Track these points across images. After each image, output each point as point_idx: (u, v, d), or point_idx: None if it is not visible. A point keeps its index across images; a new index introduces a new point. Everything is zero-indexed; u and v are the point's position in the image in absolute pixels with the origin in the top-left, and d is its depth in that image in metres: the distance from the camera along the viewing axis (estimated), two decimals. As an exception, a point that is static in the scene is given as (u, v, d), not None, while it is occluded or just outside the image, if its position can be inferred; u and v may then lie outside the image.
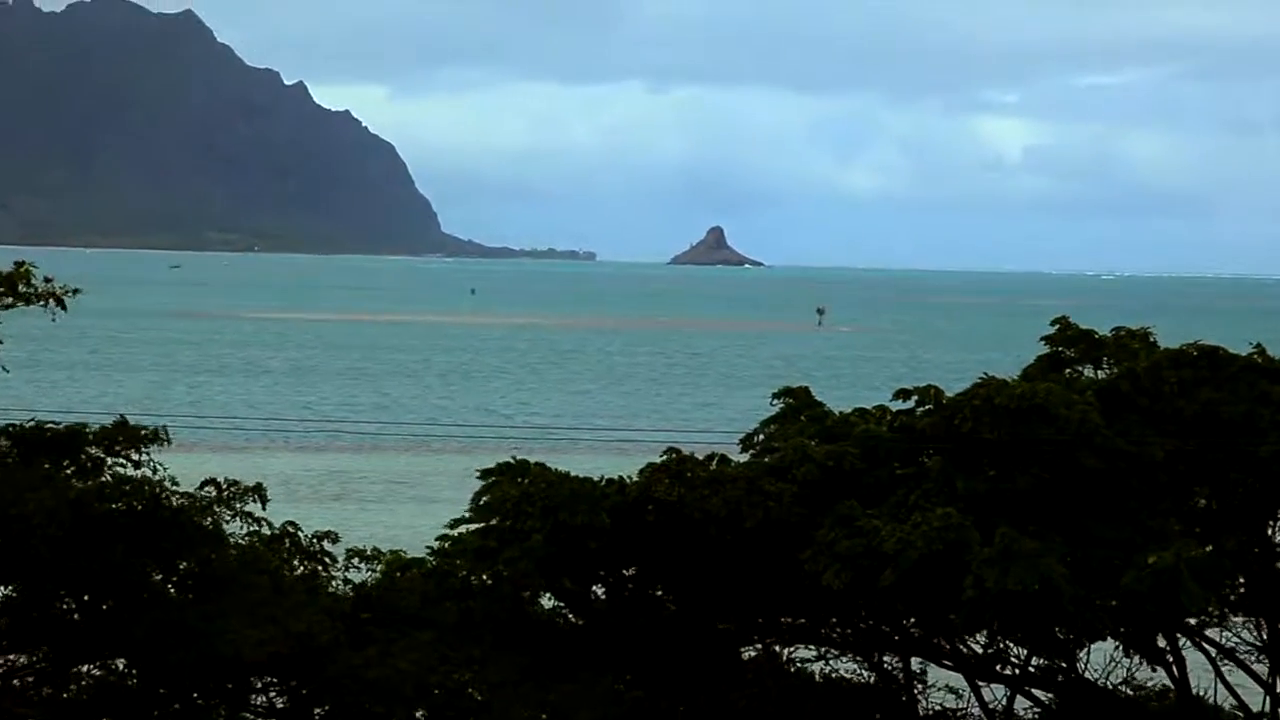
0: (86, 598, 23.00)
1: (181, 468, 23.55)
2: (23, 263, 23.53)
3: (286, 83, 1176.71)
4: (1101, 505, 24.24)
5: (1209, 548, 24.27)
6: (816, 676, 25.96)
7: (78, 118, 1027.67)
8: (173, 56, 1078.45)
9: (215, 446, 74.69)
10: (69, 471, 23.18)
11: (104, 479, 23.00)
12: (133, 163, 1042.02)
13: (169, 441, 23.31)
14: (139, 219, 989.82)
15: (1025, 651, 25.44)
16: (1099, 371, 26.80)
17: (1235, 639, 26.76)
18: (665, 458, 24.72)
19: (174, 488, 22.83)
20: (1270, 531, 26.42)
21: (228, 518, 23.39)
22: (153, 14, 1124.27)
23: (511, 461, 24.98)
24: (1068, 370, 26.91)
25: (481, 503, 24.66)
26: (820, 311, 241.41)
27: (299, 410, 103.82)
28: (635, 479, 24.66)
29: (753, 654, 25.73)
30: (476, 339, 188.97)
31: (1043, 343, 27.40)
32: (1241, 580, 25.97)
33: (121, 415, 23.74)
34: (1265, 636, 26.65)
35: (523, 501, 24.06)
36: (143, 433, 23.17)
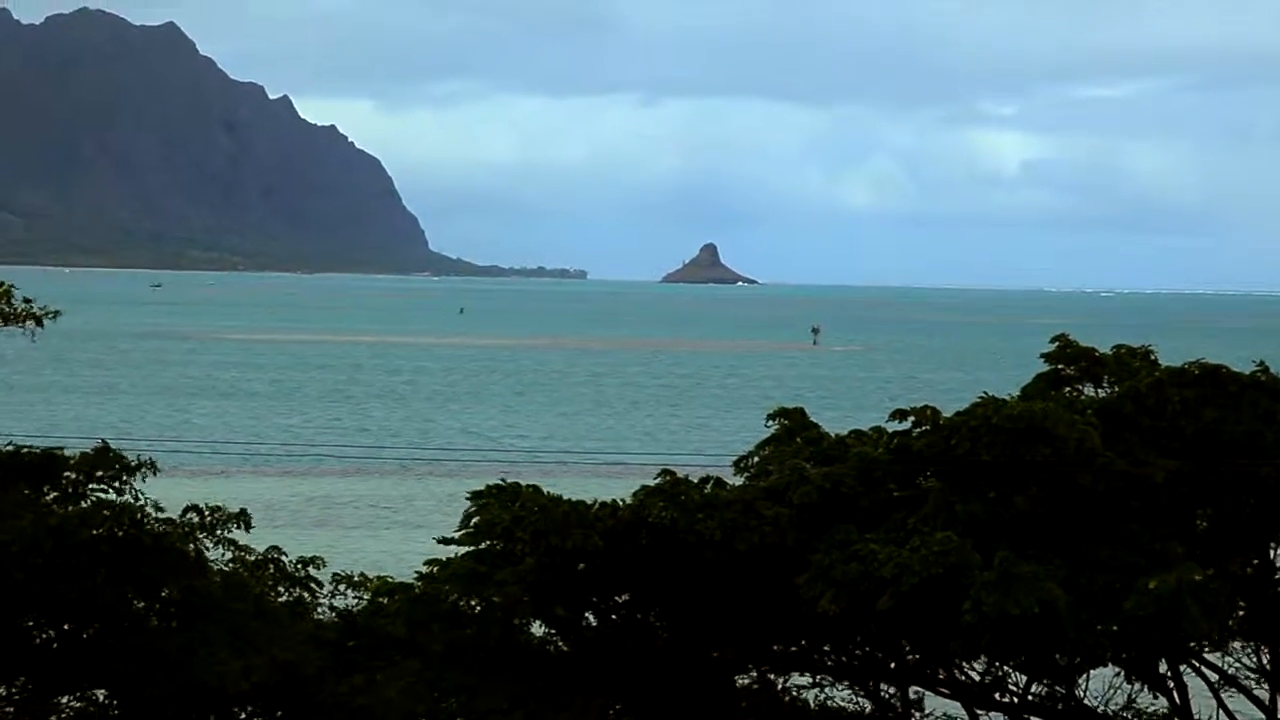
0: (66, 626, 22.56)
1: (161, 493, 23.10)
2: (1, 283, 23.11)
3: (271, 96, 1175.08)
4: (1102, 527, 23.87)
5: (1210, 571, 23.88)
6: (812, 704, 25.53)
7: (57, 133, 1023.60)
8: (154, 70, 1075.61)
9: (195, 471, 74.11)
10: (50, 497, 22.73)
11: (84, 505, 22.55)
12: (113, 180, 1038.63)
13: (155, 472, 22.91)
14: (120, 237, 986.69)
15: (1025, 678, 25.02)
16: (1099, 390, 26.43)
17: (1236, 664, 26.38)
18: (659, 480, 24.34)
19: (156, 513, 22.39)
20: (1272, 554, 26.05)
21: (210, 544, 22.95)
22: (134, 26, 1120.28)
23: (502, 484, 24.54)
24: (1067, 389, 26.55)
25: (471, 525, 24.23)
26: (815, 330, 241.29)
27: (281, 434, 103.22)
28: (628, 502, 24.26)
29: (747, 681, 25.29)
30: (464, 360, 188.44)
31: (1042, 360, 27.04)
32: (1242, 604, 25.58)
33: (103, 440, 23.31)
34: (1266, 661, 26.27)
35: (514, 525, 23.63)
36: (128, 462, 22.73)
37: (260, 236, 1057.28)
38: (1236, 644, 26.01)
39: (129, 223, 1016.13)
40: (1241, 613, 25.51)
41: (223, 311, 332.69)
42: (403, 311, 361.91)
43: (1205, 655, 25.70)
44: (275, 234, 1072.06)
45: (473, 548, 24.25)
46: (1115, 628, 22.82)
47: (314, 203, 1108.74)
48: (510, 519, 23.73)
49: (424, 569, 24.74)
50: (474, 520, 24.17)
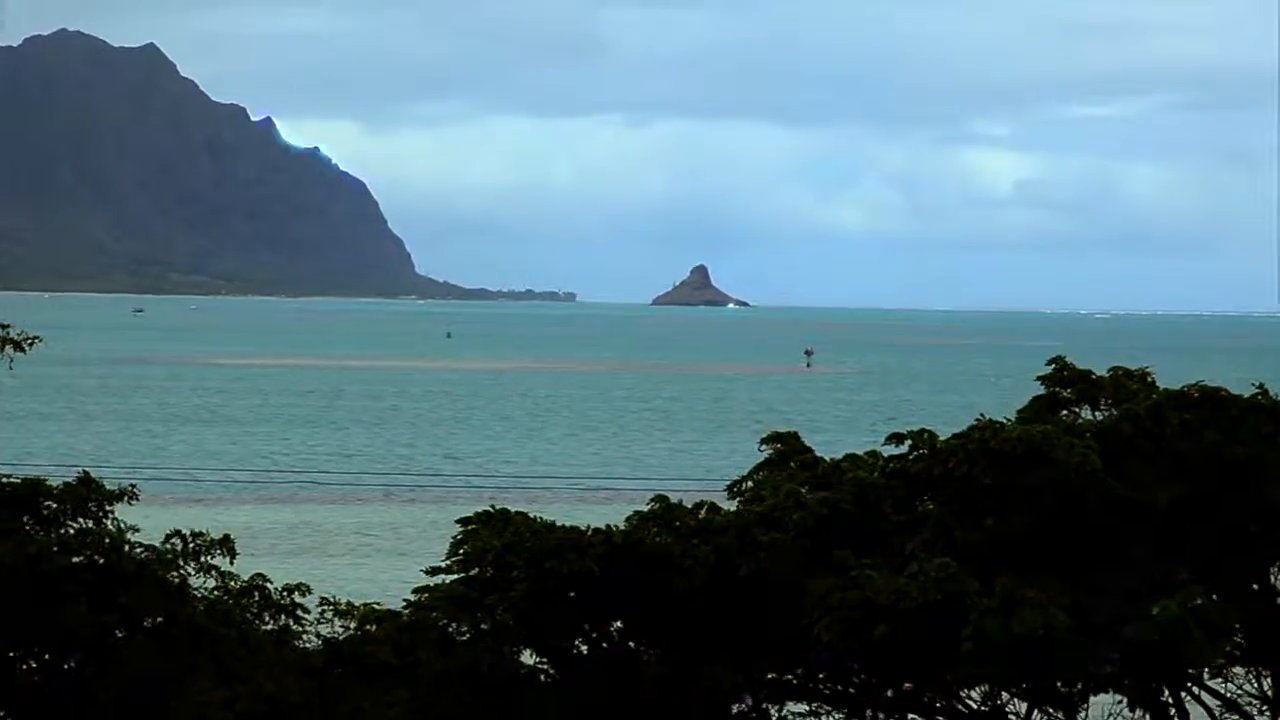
0: (47, 657, 22.14)
1: (141, 521, 22.71)
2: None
3: (254, 118, 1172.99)
4: (1103, 552, 23.58)
5: (1214, 596, 23.59)
6: (807, 733, 25.11)
7: (35, 156, 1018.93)
8: (135, 92, 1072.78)
9: (176, 498, 73.57)
10: (29, 527, 22.33)
11: (63, 532, 22.16)
12: (94, 203, 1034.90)
13: (135, 500, 22.54)
14: (101, 261, 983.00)
15: (1025, 706, 24.66)
16: (1096, 413, 26.14)
17: (1238, 690, 26.06)
18: (653, 506, 24.04)
19: (137, 540, 22.02)
20: (1272, 578, 25.77)
21: (193, 571, 22.57)
22: (114, 47, 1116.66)
23: (491, 511, 24.20)
24: (1064, 412, 26.26)
25: (461, 553, 23.85)
26: (808, 353, 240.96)
27: (262, 461, 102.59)
28: (621, 528, 23.94)
29: (742, 709, 24.90)
30: (450, 384, 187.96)
31: (1038, 383, 26.76)
32: (1239, 628, 25.27)
33: (84, 471, 22.95)
34: (1268, 687, 25.94)
35: (506, 551, 23.28)
36: (109, 491, 22.35)
37: (244, 260, 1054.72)
38: (1238, 669, 25.72)
39: (109, 246, 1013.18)
40: (1242, 638, 25.23)
41: (204, 336, 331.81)
42: (389, 336, 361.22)
43: (1207, 681, 25.38)
44: (259, 257, 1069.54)
45: (462, 575, 23.89)
46: (1118, 654, 22.50)
47: (298, 225, 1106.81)
48: (502, 545, 23.38)
49: (412, 596, 24.35)
50: (463, 548, 23.80)
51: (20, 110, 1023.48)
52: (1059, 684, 23.40)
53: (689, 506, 24.22)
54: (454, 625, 23.59)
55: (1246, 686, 26.05)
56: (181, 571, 22.39)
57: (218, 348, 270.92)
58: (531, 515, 24.26)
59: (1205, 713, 25.79)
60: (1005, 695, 24.44)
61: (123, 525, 22.20)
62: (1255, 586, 25.61)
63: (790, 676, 24.57)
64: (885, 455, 25.14)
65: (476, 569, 23.72)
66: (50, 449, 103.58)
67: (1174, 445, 24.71)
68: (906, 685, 24.54)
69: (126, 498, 22.53)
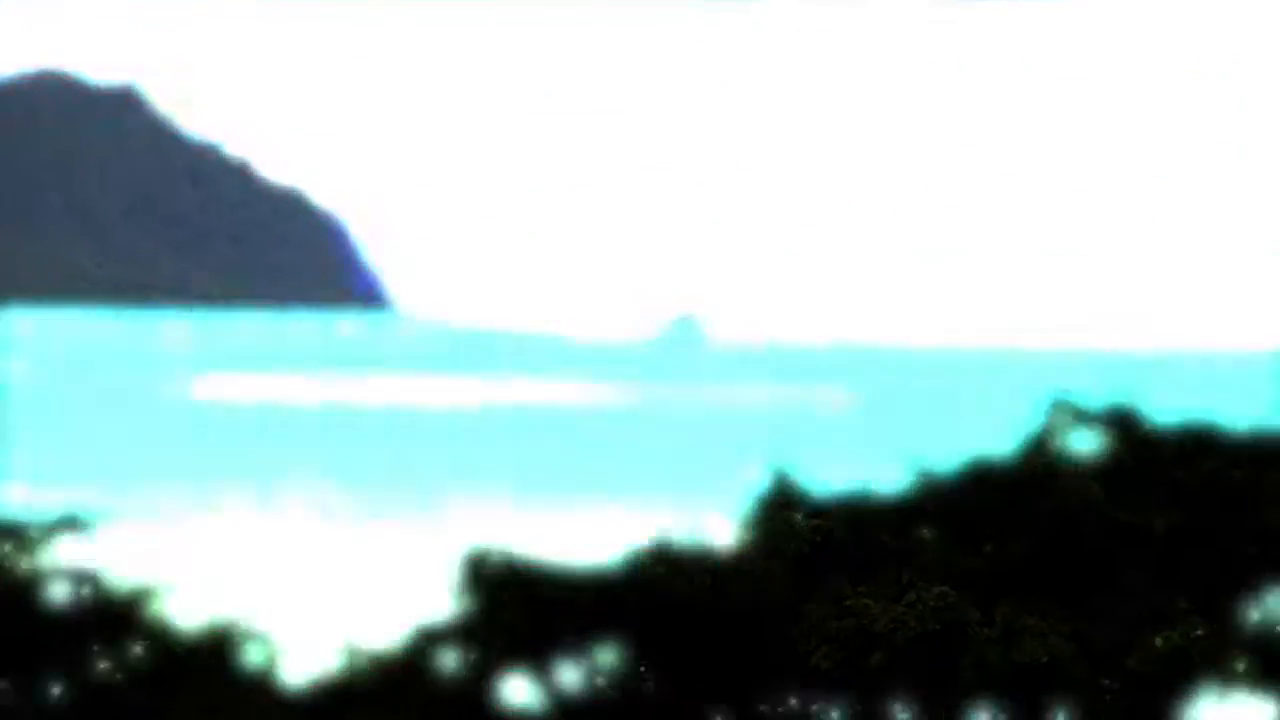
0: (33, 689, 21.87)
1: (123, 552, 22.44)
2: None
3: (233, 150, 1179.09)
4: (1102, 579, 23.42)
5: (1213, 625, 23.41)
6: (804, 763, 24.84)
7: (18, 184, 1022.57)
8: (115, 128, 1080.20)
9: (156, 528, 73.09)
10: (12, 560, 22.11)
11: (47, 565, 21.94)
12: (75, 227, 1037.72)
13: (117, 529, 22.33)
14: (83, 287, 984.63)
15: (1025, 735, 24.42)
16: (1096, 443, 26.00)
17: (1239, 715, 25.84)
18: (648, 536, 23.82)
19: (119, 572, 21.79)
20: (1271, 604, 25.59)
21: (178, 604, 22.35)
22: (93, 86, 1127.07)
23: (483, 543, 23.97)
24: (1059, 440, 26.09)
25: (452, 583, 23.62)
26: (801, 380, 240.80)
27: (244, 488, 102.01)
28: (616, 558, 23.73)
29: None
30: (435, 411, 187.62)
31: (1037, 413, 26.62)
32: (1238, 654, 25.09)
33: (71, 513, 22.77)
34: (1267, 713, 25.74)
35: (499, 583, 23.06)
36: (90, 520, 22.17)
37: (226, 283, 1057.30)
38: (1239, 694, 25.51)
39: (91, 271, 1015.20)
40: (1242, 664, 25.05)
41: (185, 359, 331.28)
42: (372, 359, 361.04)
43: (1209, 706, 25.16)
44: (241, 281, 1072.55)
45: (453, 605, 23.66)
46: (1120, 684, 22.32)
47: (280, 251, 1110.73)
48: (494, 576, 23.16)
49: (401, 628, 24.10)
50: (454, 578, 23.58)
51: (4, 145, 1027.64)
52: (1059, 713, 23.17)
53: (683, 535, 24.00)
54: (444, 655, 23.33)
55: (1245, 712, 25.85)
56: (164, 604, 22.18)
57: (198, 370, 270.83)
58: (522, 544, 24.04)
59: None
60: (1006, 722, 24.22)
61: (105, 557, 21.99)
62: (1253, 612, 25.47)
63: (783, 708, 24.32)
64: (880, 482, 24.97)
65: (468, 599, 23.49)
66: (26, 474, 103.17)
67: (1171, 473, 24.62)
68: (903, 715, 24.31)
69: (107, 528, 22.34)
